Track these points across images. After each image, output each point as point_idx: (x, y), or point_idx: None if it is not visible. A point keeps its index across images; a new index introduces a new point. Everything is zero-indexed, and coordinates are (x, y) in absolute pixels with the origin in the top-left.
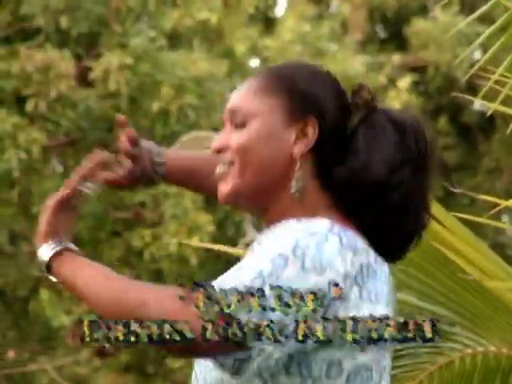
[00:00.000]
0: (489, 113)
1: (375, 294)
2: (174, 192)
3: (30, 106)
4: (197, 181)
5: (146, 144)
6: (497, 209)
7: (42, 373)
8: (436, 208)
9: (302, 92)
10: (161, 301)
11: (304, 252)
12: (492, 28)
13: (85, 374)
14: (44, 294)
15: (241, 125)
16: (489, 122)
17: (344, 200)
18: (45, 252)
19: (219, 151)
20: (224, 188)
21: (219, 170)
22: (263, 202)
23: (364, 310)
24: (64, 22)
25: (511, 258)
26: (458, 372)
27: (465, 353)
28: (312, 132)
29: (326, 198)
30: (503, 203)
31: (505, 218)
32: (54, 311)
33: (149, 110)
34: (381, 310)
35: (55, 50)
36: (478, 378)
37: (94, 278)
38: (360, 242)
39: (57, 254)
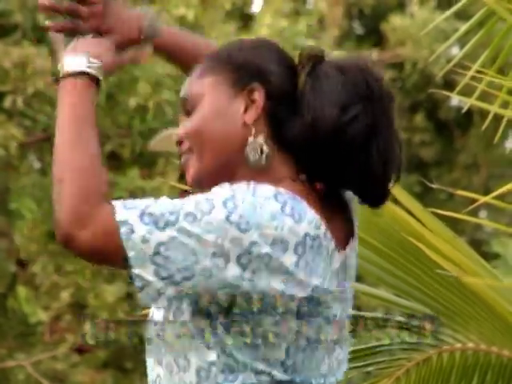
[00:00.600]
0: (465, 108)
1: (310, 268)
2: (151, 187)
3: (7, 103)
4: (187, 56)
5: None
6: (475, 205)
7: (20, 369)
8: (413, 204)
9: (241, 62)
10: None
11: (235, 206)
12: (469, 24)
13: (63, 370)
14: (21, 291)
15: (191, 111)
16: (466, 118)
17: (305, 157)
18: (72, 63)
19: (179, 143)
20: (188, 176)
21: (182, 160)
22: (226, 179)
23: (300, 276)
24: (41, 18)
25: (489, 254)
26: (436, 369)
27: (442, 349)
28: (258, 96)
29: (287, 165)
30: (481, 199)
31: (483, 214)
32: (31, 307)
33: (126, 107)
34: (315, 281)
35: (32, 47)
36: (456, 375)
37: (69, 125)
38: (311, 214)
39: (77, 74)
